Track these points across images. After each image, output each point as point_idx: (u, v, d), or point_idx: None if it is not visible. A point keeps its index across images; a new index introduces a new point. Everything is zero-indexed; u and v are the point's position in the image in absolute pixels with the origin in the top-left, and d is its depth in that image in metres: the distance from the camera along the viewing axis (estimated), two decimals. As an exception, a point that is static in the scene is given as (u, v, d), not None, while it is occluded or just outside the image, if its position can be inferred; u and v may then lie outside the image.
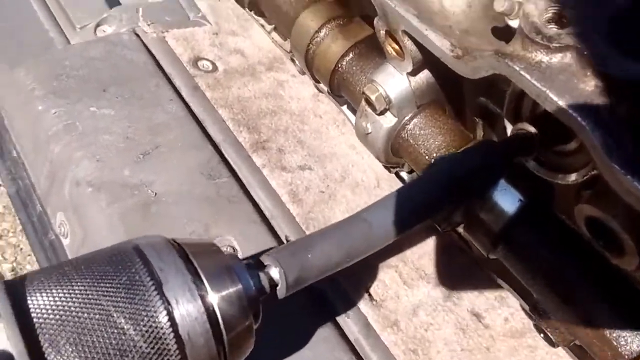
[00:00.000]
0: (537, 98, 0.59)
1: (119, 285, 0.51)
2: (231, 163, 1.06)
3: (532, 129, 0.68)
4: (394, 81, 0.83)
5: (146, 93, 1.14)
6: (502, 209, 0.75)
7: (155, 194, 0.97)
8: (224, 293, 0.57)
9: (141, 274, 0.52)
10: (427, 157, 0.84)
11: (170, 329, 0.51)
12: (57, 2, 1.30)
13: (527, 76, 0.60)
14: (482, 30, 0.76)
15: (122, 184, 0.98)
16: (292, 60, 1.17)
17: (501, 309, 0.94)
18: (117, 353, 0.47)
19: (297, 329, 0.89)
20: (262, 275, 0.62)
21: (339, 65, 0.94)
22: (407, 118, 0.85)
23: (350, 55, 0.93)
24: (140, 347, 0.48)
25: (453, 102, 0.85)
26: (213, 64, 1.22)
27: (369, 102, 0.85)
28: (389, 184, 1.06)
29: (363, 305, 0.92)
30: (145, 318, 0.50)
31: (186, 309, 0.52)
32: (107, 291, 0.50)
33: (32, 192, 1.09)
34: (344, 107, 1.14)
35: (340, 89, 0.98)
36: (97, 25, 1.28)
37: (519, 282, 0.81)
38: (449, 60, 0.70)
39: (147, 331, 0.49)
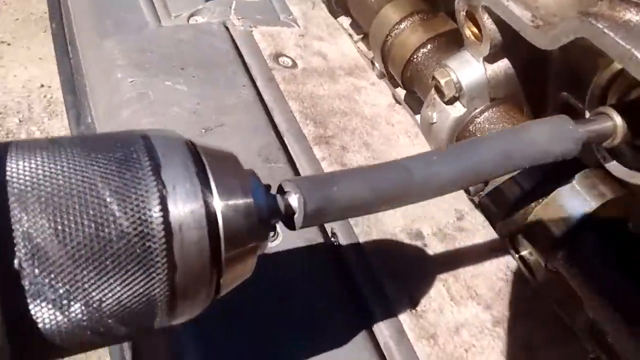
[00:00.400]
0: (620, 59, 0.52)
1: (111, 158, 0.45)
2: (290, 151, 1.03)
3: (614, 114, 0.60)
4: (469, 68, 0.77)
5: (222, 77, 1.14)
6: (568, 210, 0.66)
7: (208, 164, 0.94)
8: (231, 202, 0.48)
9: (140, 152, 0.46)
10: (494, 156, 0.76)
11: (160, 214, 0.43)
12: (158, -10, 1.35)
13: (611, 34, 0.52)
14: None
15: (178, 151, 0.96)
16: (372, 64, 1.14)
17: (557, 346, 0.82)
18: (92, 225, 0.41)
19: (325, 322, 0.81)
20: (279, 197, 0.55)
21: (415, 57, 0.89)
22: (477, 110, 0.79)
23: (428, 47, 0.88)
24: (121, 224, 0.42)
25: (531, 97, 0.78)
26: (293, 61, 1.21)
27: (438, 89, 0.80)
28: (453, 197, 0.99)
29: (401, 311, 0.83)
30: (134, 196, 0.43)
31: (183, 201, 0.45)
32: (96, 161, 0.44)
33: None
34: (419, 117, 1.09)
35: (413, 82, 0.93)
36: (191, 15, 1.31)
37: (580, 313, 0.71)
38: (528, 32, 0.64)
39: (132, 209, 0.43)
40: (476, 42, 0.75)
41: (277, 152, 1.02)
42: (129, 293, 0.44)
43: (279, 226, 0.91)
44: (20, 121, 2.60)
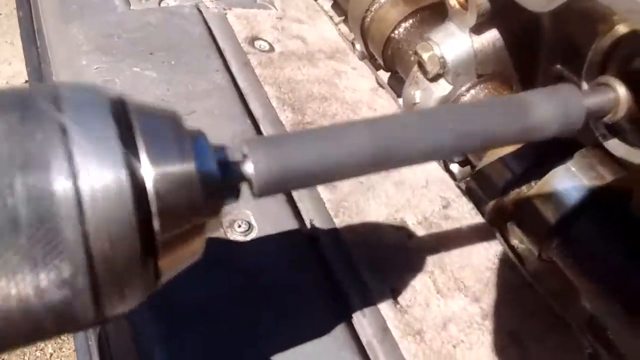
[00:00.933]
0: (630, 14, 0.46)
1: (12, 130, 0.34)
2: (266, 138, 0.96)
3: (617, 84, 0.54)
4: (454, 41, 0.71)
5: (194, 62, 1.08)
6: (563, 194, 0.60)
7: (177, 152, 0.88)
8: (167, 170, 0.38)
9: (47, 115, 0.35)
10: (482, 137, 0.70)
11: (71, 189, 0.34)
12: (127, -27, 1.28)
13: (619, -17, 0.46)
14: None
15: (145, 139, 0.90)
16: (352, 45, 1.08)
17: (549, 338, 0.76)
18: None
19: (303, 320, 0.75)
20: (231, 164, 0.45)
21: (396, 32, 0.83)
22: (464, 88, 0.73)
23: (410, 21, 0.82)
24: (19, 215, 0.32)
25: (522, 72, 0.72)
26: (270, 45, 1.15)
27: (420, 65, 0.73)
28: (439, 187, 0.93)
29: (384, 307, 0.77)
30: (33, 176, 0.34)
31: (100, 179, 0.35)
32: None
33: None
34: (401, 101, 1.03)
35: (395, 61, 0.86)
36: (163, -2, 1.25)
37: (576, 305, 0.65)
38: (519, -8, 0.57)
39: (33, 195, 0.33)
40: (462, 11, 0.69)
41: (251, 139, 0.96)
42: (41, 293, 0.36)
43: (252, 217, 0.85)
44: None
